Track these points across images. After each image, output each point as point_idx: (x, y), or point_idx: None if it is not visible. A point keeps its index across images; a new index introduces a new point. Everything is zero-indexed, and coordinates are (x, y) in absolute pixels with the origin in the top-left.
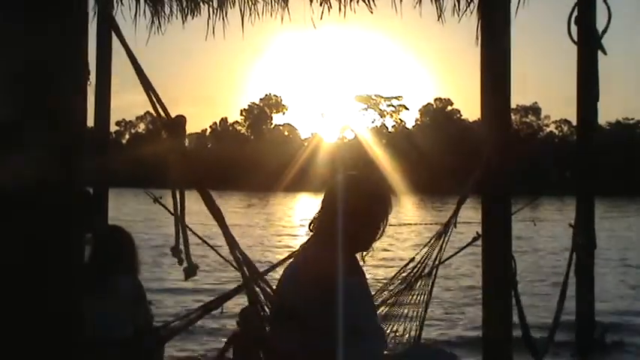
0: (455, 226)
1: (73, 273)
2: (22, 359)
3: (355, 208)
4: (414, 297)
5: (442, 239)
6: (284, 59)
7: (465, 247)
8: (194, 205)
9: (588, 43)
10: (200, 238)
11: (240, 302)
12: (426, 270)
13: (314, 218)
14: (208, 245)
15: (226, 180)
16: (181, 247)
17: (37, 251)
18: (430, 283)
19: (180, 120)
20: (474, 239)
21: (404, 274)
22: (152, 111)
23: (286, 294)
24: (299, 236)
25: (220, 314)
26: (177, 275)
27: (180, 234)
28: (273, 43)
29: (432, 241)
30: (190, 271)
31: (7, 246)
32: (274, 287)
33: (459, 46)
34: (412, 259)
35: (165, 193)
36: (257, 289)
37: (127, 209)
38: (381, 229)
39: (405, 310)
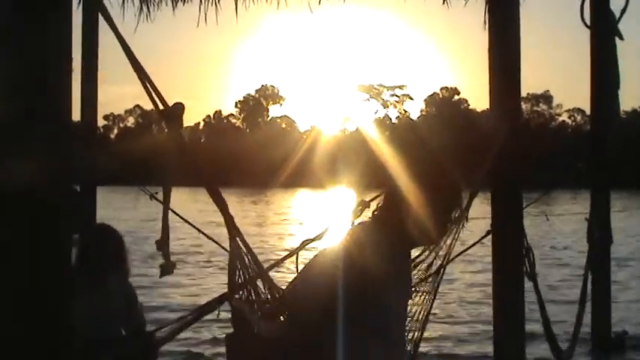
0: (467, 221)
1: (61, 275)
2: None
3: (428, 188)
4: (419, 297)
5: (452, 236)
6: (281, 47)
7: (475, 244)
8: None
9: (602, 28)
10: (203, 233)
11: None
12: (434, 268)
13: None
14: (212, 239)
15: (220, 176)
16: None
17: (25, 251)
18: (437, 282)
19: (178, 108)
20: (486, 234)
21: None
22: (143, 103)
23: (308, 278)
24: (297, 235)
25: (217, 317)
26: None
27: (166, 229)
28: (268, 30)
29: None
30: (167, 268)
31: None
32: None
33: (465, 32)
34: (417, 256)
35: (160, 190)
36: (260, 284)
37: (116, 208)
38: (451, 221)
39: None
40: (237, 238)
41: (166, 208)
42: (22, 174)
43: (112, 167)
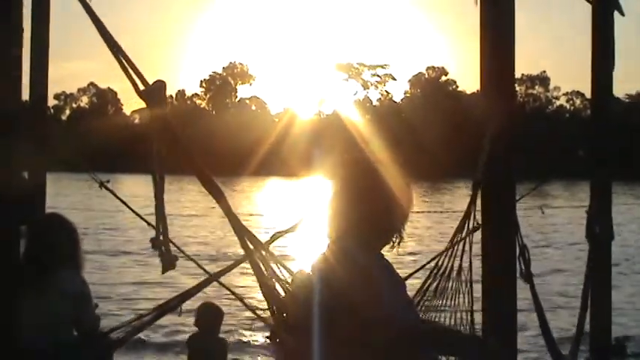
0: (475, 217)
1: (6, 271)
2: None
3: (376, 189)
4: (449, 301)
5: (464, 232)
6: (251, 21)
7: (461, 240)
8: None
9: (605, 2)
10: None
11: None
12: (455, 269)
13: (328, 221)
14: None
15: (182, 163)
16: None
17: None
18: (465, 284)
19: (160, 85)
20: (474, 229)
21: (433, 282)
22: (98, 80)
23: (307, 305)
24: (268, 228)
25: (178, 316)
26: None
27: (161, 223)
28: (238, 0)
29: (454, 238)
30: (168, 263)
31: None
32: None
33: (455, 6)
34: (437, 264)
35: (113, 178)
36: (260, 263)
37: (68, 197)
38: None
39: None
40: (246, 238)
41: (160, 199)
42: None
43: (64, 151)
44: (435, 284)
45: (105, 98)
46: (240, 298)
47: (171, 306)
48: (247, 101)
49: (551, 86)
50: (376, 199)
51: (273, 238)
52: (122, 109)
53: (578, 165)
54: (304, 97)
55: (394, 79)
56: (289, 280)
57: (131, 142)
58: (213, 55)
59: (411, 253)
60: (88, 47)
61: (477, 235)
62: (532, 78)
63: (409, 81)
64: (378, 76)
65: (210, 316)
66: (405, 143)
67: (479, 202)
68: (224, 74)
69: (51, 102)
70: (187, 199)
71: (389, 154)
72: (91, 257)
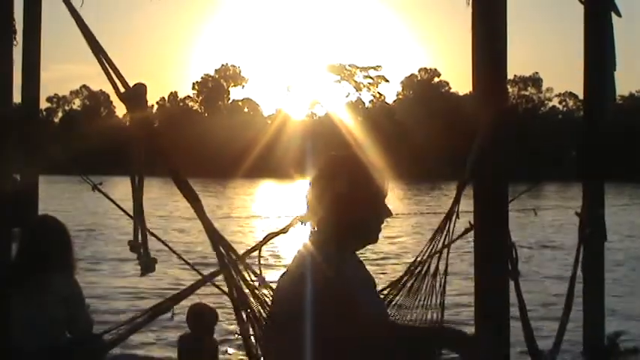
0: (458, 217)
1: None
2: None
3: (356, 191)
4: (422, 301)
5: (445, 233)
6: (243, 23)
7: (454, 241)
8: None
9: (597, 3)
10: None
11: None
12: (432, 269)
13: (307, 213)
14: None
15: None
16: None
17: None
18: (440, 282)
19: (141, 88)
20: (466, 231)
21: (410, 280)
22: (90, 83)
23: (285, 301)
24: (259, 230)
25: (170, 319)
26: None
27: (139, 225)
28: (230, 3)
29: (434, 237)
30: (148, 266)
31: None
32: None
33: (447, 7)
34: (414, 262)
35: (107, 180)
36: (235, 275)
37: (60, 199)
38: (384, 215)
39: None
40: (220, 245)
41: (138, 202)
42: None
43: (56, 154)
44: (411, 282)
45: (97, 101)
46: (234, 300)
47: (163, 308)
48: (240, 103)
49: (543, 87)
50: (353, 197)
51: (266, 239)
52: (115, 112)
53: (571, 166)
54: (297, 99)
55: (387, 80)
56: (262, 290)
57: (124, 145)
58: (205, 57)
59: (399, 254)
60: (79, 50)
61: (461, 236)
62: (524, 79)
63: (401, 82)
64: (370, 77)
65: (201, 316)
66: (398, 145)
67: (469, 201)
68: (216, 76)
69: (43, 104)
70: (175, 201)
71: (381, 155)
72: (82, 261)
